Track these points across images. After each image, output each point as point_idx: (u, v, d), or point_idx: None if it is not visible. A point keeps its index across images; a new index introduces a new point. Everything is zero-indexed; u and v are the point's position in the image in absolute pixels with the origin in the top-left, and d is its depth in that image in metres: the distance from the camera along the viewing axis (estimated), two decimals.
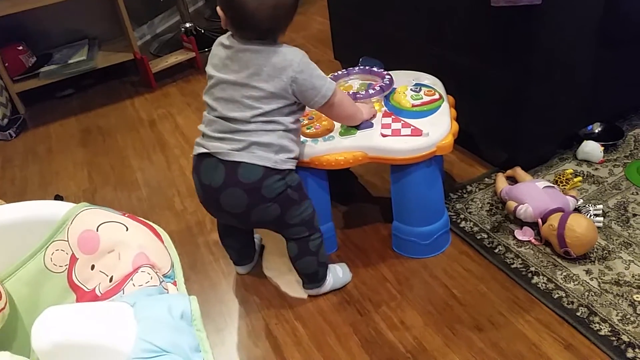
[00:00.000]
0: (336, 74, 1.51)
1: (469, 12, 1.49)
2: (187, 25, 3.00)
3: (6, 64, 2.46)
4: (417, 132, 1.27)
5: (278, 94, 1.11)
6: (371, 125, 1.31)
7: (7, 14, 2.33)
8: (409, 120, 1.31)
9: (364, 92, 1.39)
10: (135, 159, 2.04)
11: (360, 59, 1.53)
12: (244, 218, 1.18)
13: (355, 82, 1.50)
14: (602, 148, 1.58)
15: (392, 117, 1.33)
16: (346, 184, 1.69)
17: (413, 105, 1.35)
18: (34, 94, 2.56)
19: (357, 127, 1.31)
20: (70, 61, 2.60)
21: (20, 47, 2.55)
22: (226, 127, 1.13)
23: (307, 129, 1.33)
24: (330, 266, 1.34)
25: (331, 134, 1.32)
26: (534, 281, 1.26)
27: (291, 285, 1.38)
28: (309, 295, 1.34)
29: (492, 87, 1.51)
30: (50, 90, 2.61)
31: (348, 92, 1.40)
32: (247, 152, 1.11)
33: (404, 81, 1.45)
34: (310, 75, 1.13)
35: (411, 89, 1.40)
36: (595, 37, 1.44)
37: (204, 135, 1.18)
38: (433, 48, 1.60)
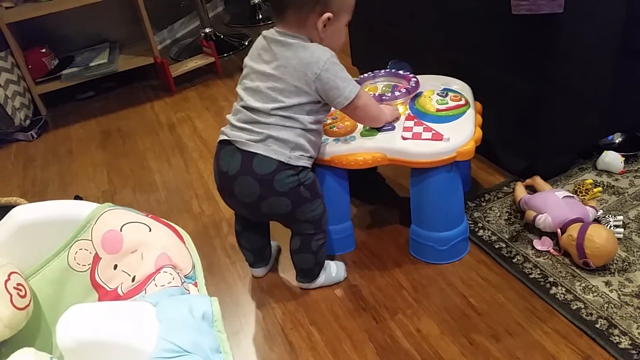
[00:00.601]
0: (363, 76, 1.52)
1: (489, 19, 1.49)
2: (207, 30, 3.03)
3: (29, 66, 2.50)
4: (437, 137, 1.26)
5: (301, 88, 1.14)
6: (393, 128, 1.32)
7: (30, 18, 2.38)
8: (431, 125, 1.31)
9: (389, 94, 1.40)
10: (154, 162, 2.06)
11: (390, 62, 1.54)
12: (254, 208, 1.20)
13: (381, 84, 1.50)
14: (623, 158, 1.57)
15: (415, 120, 1.33)
16: (371, 185, 1.69)
17: (437, 110, 1.35)
18: (56, 95, 2.61)
19: (379, 129, 1.32)
20: (91, 64, 2.64)
21: (43, 50, 2.59)
22: (248, 117, 1.17)
23: (330, 127, 1.36)
24: (325, 262, 1.36)
25: (352, 134, 1.33)
26: (552, 292, 1.25)
27: (307, 289, 1.38)
28: (304, 289, 1.37)
29: (511, 95, 1.51)
30: (72, 92, 2.65)
31: (373, 94, 1.41)
32: (264, 145, 1.14)
33: (432, 85, 1.45)
34: (335, 75, 1.14)
35: (438, 94, 1.40)
36: (617, 45, 1.42)
37: (229, 123, 1.21)
38: (452, 55, 1.60)
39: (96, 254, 0.79)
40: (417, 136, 1.28)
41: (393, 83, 1.49)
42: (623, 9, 1.37)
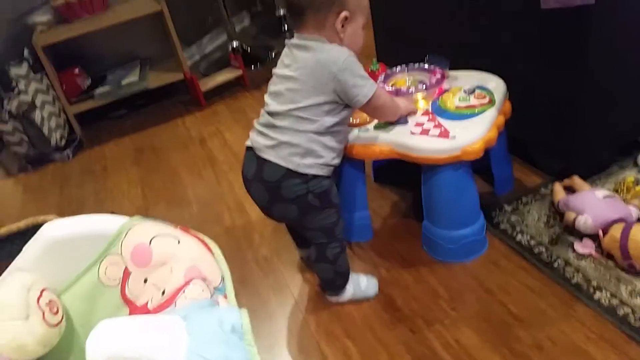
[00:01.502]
0: (395, 68, 1.53)
1: (519, 16, 1.45)
2: (234, 43, 3.06)
3: (63, 87, 2.56)
4: (444, 134, 1.26)
5: (318, 88, 1.15)
6: (406, 122, 1.33)
7: (64, 39, 2.44)
8: (445, 122, 1.30)
9: (404, 89, 1.41)
10: (187, 176, 2.08)
11: (427, 56, 1.52)
12: (268, 211, 1.26)
13: (410, 78, 1.50)
14: None
15: (430, 116, 1.33)
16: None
17: (457, 107, 1.34)
18: (89, 115, 2.66)
19: (392, 122, 1.34)
20: (123, 82, 2.69)
21: (77, 70, 2.66)
22: (267, 121, 1.20)
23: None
24: (354, 275, 1.34)
25: (367, 125, 1.36)
26: (596, 297, 1.19)
27: (341, 304, 1.35)
28: (334, 302, 1.35)
29: (545, 94, 1.46)
30: (105, 111, 2.71)
31: (395, 88, 1.43)
32: (275, 151, 1.17)
33: (466, 82, 1.43)
34: (353, 73, 1.15)
35: (464, 91, 1.38)
36: None
37: (254, 127, 1.25)
38: (482, 55, 1.56)
39: (126, 268, 0.79)
40: (425, 132, 1.28)
41: (421, 78, 1.48)
42: None
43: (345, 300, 1.34)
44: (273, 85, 1.22)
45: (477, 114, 1.31)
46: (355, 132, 1.36)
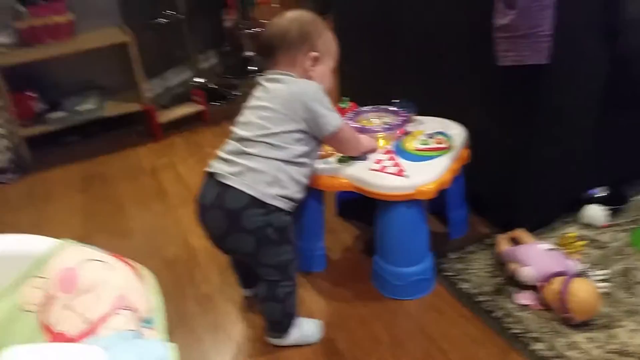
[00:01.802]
0: (364, 108, 1.58)
1: (475, 70, 1.51)
2: (199, 80, 3.06)
3: (16, 109, 2.49)
4: (400, 173, 1.30)
5: (290, 116, 1.19)
6: (365, 158, 1.38)
7: (21, 62, 2.39)
8: (403, 162, 1.35)
9: (369, 127, 1.47)
10: (133, 207, 2.03)
11: (395, 101, 1.58)
12: (221, 242, 1.22)
13: (377, 119, 1.55)
14: (606, 213, 1.55)
15: (390, 155, 1.38)
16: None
17: (416, 149, 1.39)
18: (39, 139, 2.58)
19: (353, 157, 1.38)
20: (78, 109, 2.63)
21: (32, 94, 2.59)
22: (235, 148, 1.21)
23: None
24: (300, 319, 1.30)
25: (329, 158, 1.40)
26: (534, 348, 1.20)
27: (280, 347, 1.31)
28: (276, 345, 1.30)
29: (496, 147, 1.51)
30: (57, 136, 2.63)
31: (363, 125, 1.48)
32: (239, 178, 1.16)
33: (429, 127, 1.49)
34: (322, 104, 1.21)
35: (426, 135, 1.43)
36: (601, 99, 1.44)
37: (217, 156, 1.24)
38: (437, 104, 1.60)
39: (49, 292, 0.74)
40: (383, 169, 1.33)
41: (387, 118, 1.53)
42: (606, 64, 1.40)
43: (288, 344, 1.29)
44: (243, 117, 1.25)
45: (434, 157, 1.36)
46: (317, 164, 1.38)
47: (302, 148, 1.21)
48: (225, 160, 1.20)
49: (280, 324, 1.27)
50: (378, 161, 1.36)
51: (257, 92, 1.26)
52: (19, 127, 2.50)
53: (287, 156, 1.18)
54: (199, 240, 1.75)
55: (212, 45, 3.75)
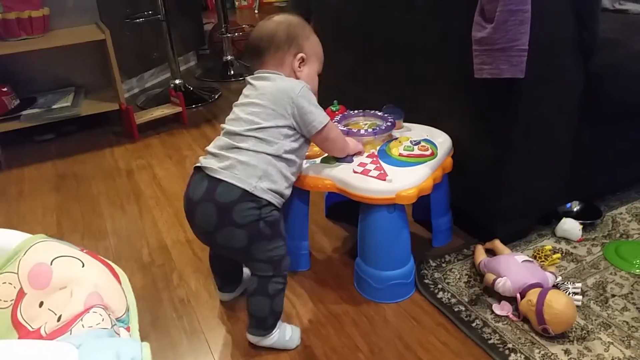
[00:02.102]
0: (354, 111, 1.59)
1: (450, 82, 1.52)
2: (177, 81, 3.03)
3: None
4: (382, 177, 1.32)
5: (278, 111, 1.21)
6: (351, 161, 1.40)
7: None
8: (386, 166, 1.36)
9: (355, 130, 1.48)
10: (108, 208, 1.98)
11: (383, 107, 1.59)
12: (211, 238, 1.20)
13: (364, 121, 1.57)
14: (581, 226, 1.58)
15: (373, 159, 1.39)
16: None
17: (400, 154, 1.40)
18: (13, 135, 2.52)
19: (338, 159, 1.41)
20: (53, 106, 2.58)
21: (5, 89, 2.53)
22: (225, 143, 1.21)
23: None
24: (281, 323, 1.29)
25: (316, 159, 1.43)
26: (511, 358, 1.20)
27: (257, 351, 1.29)
28: (254, 343, 1.27)
29: (472, 158, 1.52)
30: (30, 133, 2.58)
31: (350, 128, 1.49)
32: (230, 171, 1.16)
33: (416, 134, 1.51)
34: (309, 101, 1.24)
35: (411, 141, 1.44)
36: (575, 114, 1.46)
37: (207, 152, 1.24)
38: (415, 113, 1.61)
39: (21, 288, 0.71)
40: (365, 172, 1.34)
41: (375, 123, 1.55)
42: (581, 80, 1.42)
43: (267, 345, 1.27)
44: (232, 114, 1.26)
45: (417, 164, 1.38)
46: (303, 164, 1.41)
47: (290, 144, 1.23)
48: (215, 155, 1.20)
49: (265, 321, 1.25)
50: (362, 164, 1.38)
51: (246, 91, 1.28)
52: None
53: (277, 151, 1.20)
54: (174, 243, 1.72)
55: (191, 47, 3.73)
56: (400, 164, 1.37)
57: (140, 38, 3.13)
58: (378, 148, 1.45)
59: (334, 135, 1.33)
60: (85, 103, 2.67)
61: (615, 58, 1.44)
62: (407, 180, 1.32)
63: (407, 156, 1.40)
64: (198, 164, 1.21)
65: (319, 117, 1.25)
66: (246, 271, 1.45)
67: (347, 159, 1.41)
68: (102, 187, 2.15)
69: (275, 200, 1.20)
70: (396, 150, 1.42)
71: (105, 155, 2.43)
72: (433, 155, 1.41)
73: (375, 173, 1.34)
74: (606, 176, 1.69)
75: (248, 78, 1.30)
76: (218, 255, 1.37)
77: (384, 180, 1.31)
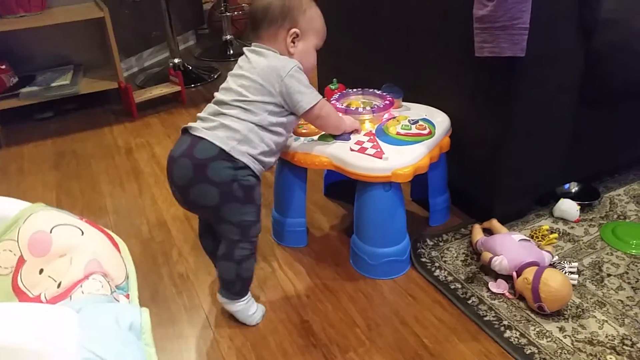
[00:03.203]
0: (352, 90, 1.60)
1: (451, 61, 1.51)
2: (176, 60, 3.02)
3: None
4: (378, 155, 1.33)
5: (266, 88, 1.22)
6: (348, 138, 1.41)
7: None
8: (383, 145, 1.37)
9: (353, 109, 1.48)
10: (107, 185, 1.99)
11: (383, 85, 1.59)
12: (185, 192, 1.20)
13: (362, 100, 1.58)
14: (579, 207, 1.58)
15: (370, 137, 1.41)
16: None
17: (397, 133, 1.41)
18: (12, 113, 2.51)
19: (335, 137, 1.41)
20: (52, 84, 2.57)
21: (3, 67, 2.52)
22: (213, 109, 1.24)
23: (299, 127, 1.46)
24: (251, 298, 1.31)
25: (314, 136, 1.43)
26: (506, 335, 1.22)
27: (255, 326, 1.31)
28: (223, 304, 1.29)
29: (471, 137, 1.52)
30: (30, 111, 2.57)
31: (347, 107, 1.50)
32: (212, 132, 1.19)
33: (414, 114, 1.52)
34: (299, 81, 1.24)
35: (409, 120, 1.45)
36: (575, 94, 1.46)
37: (197, 117, 1.27)
38: (415, 92, 1.61)
39: (21, 256, 0.72)
40: (362, 150, 1.35)
41: (374, 102, 1.55)
42: (582, 60, 1.42)
43: (231, 311, 1.29)
44: (225, 84, 1.27)
45: (414, 143, 1.38)
46: (300, 140, 1.42)
47: (276, 119, 1.24)
48: (202, 119, 1.24)
49: (233, 285, 1.25)
50: (359, 142, 1.38)
51: (241, 61, 1.29)
52: None
53: (261, 122, 1.22)
54: (174, 220, 1.73)
55: (190, 26, 3.70)
56: (397, 143, 1.38)
57: (139, 16, 3.10)
58: (376, 127, 1.46)
59: (325, 114, 1.32)
60: (84, 81, 2.66)
61: (617, 37, 1.44)
62: (403, 159, 1.32)
63: (405, 135, 1.40)
64: (184, 126, 1.24)
65: (307, 97, 1.25)
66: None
67: (345, 136, 1.41)
68: (102, 165, 2.15)
69: (253, 165, 1.21)
70: (394, 129, 1.43)
71: (105, 134, 2.43)
72: (430, 134, 1.42)
73: (372, 151, 1.34)
74: (605, 158, 1.69)
75: (245, 49, 1.30)
76: (205, 231, 1.36)
77: (380, 158, 1.32)
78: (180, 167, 1.18)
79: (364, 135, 1.42)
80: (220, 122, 1.19)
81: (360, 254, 1.43)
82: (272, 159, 1.28)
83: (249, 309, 1.30)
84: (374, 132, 1.43)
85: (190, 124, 1.23)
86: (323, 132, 1.43)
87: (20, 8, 2.47)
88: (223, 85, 1.28)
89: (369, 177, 1.32)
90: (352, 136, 1.41)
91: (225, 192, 1.17)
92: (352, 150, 1.36)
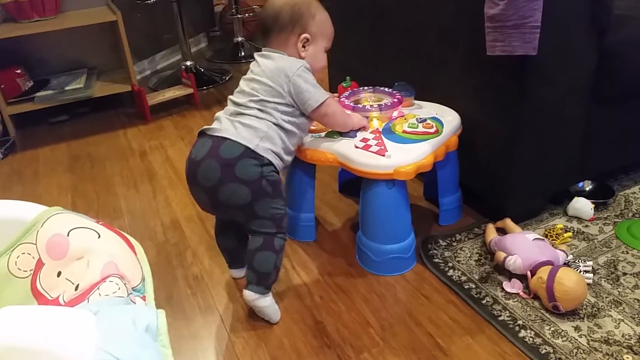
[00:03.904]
0: (362, 88, 1.61)
1: (462, 60, 1.51)
2: (188, 63, 3.04)
3: (2, 86, 2.45)
4: (381, 152, 1.34)
5: (275, 89, 1.27)
6: (354, 136, 1.42)
7: (8, 37, 2.35)
8: (389, 142, 1.38)
9: (361, 106, 1.50)
10: (122, 188, 2.01)
11: (395, 84, 1.60)
12: (214, 193, 1.21)
13: (372, 98, 1.59)
14: (593, 206, 1.57)
15: (376, 135, 1.41)
16: None
17: (404, 131, 1.42)
18: (27, 117, 2.55)
19: (342, 134, 1.43)
20: (67, 88, 2.60)
21: (19, 71, 2.55)
22: (232, 111, 1.28)
23: None
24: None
25: (321, 133, 1.45)
26: (521, 335, 1.21)
27: (269, 327, 1.32)
28: (252, 301, 1.27)
29: (484, 138, 1.51)
30: (44, 115, 2.60)
31: (356, 105, 1.52)
32: (236, 131, 1.23)
33: (424, 112, 1.52)
34: (306, 80, 1.28)
35: (417, 119, 1.45)
36: (588, 92, 1.45)
37: (214, 118, 1.32)
38: (426, 91, 1.61)
39: (39, 259, 0.73)
40: (366, 147, 1.37)
41: (385, 99, 1.56)
42: (594, 58, 1.41)
43: (261, 306, 1.28)
44: (238, 88, 1.32)
45: (419, 141, 1.38)
46: (308, 137, 1.44)
47: (289, 118, 1.29)
48: (220, 121, 1.28)
49: (269, 277, 1.27)
50: (364, 140, 1.40)
51: (252, 66, 1.34)
52: (5, 104, 2.46)
53: (276, 121, 1.26)
54: (188, 222, 1.74)
55: (202, 29, 3.73)
56: (403, 141, 1.39)
57: (151, 19, 3.13)
58: (384, 125, 1.46)
59: (332, 112, 1.35)
60: (97, 84, 2.69)
61: (630, 35, 1.43)
62: (406, 157, 1.33)
63: (411, 133, 1.41)
64: (202, 129, 1.27)
65: (314, 95, 1.28)
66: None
67: (351, 134, 1.42)
68: (116, 167, 2.17)
69: (276, 161, 1.26)
70: (400, 127, 1.43)
71: (119, 137, 2.45)
72: (437, 133, 1.42)
73: (376, 148, 1.35)
74: (619, 155, 1.68)
75: (255, 54, 1.35)
76: (223, 229, 1.39)
77: (383, 155, 1.33)
78: (206, 168, 1.20)
79: (370, 132, 1.43)
80: (240, 121, 1.24)
81: (365, 250, 1.45)
82: (289, 158, 1.33)
83: (275, 303, 1.32)
84: (380, 130, 1.44)
85: (208, 127, 1.26)
86: (330, 129, 1.45)
87: (35, 13, 2.50)
88: (237, 89, 1.32)
89: (372, 174, 1.33)
90: (358, 133, 1.43)
91: (256, 189, 1.21)
92: (356, 147, 1.37)
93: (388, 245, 1.41)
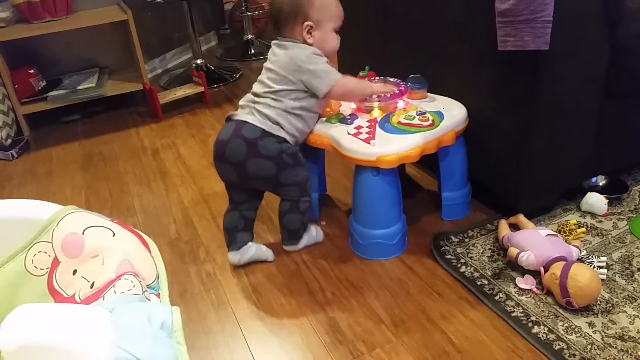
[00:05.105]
0: (376, 78, 1.65)
1: (474, 55, 1.50)
2: (199, 61, 3.05)
3: (16, 86, 2.48)
4: (367, 140, 1.39)
5: (288, 77, 1.39)
6: (351, 122, 1.48)
7: (20, 38, 2.38)
8: (382, 132, 1.42)
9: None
10: (135, 186, 2.02)
11: (410, 76, 1.61)
12: (242, 167, 1.38)
13: (382, 89, 1.60)
14: (607, 201, 1.56)
15: (370, 123, 1.46)
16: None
17: (398, 122, 1.44)
18: (40, 117, 2.58)
19: (340, 120, 1.49)
20: (79, 87, 2.62)
21: (32, 71, 2.58)
22: (249, 98, 1.44)
23: None
24: (309, 226, 1.54)
25: (323, 118, 1.51)
26: (534, 331, 1.21)
27: (282, 323, 1.32)
28: (290, 251, 1.53)
29: (496, 133, 1.51)
30: (57, 114, 2.63)
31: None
32: (253, 116, 1.40)
33: (432, 105, 1.54)
34: (316, 66, 1.38)
35: (417, 111, 1.47)
36: (600, 87, 1.44)
37: (238, 106, 1.48)
38: (436, 90, 1.60)
39: (55, 257, 0.74)
40: (357, 135, 1.42)
41: (394, 90, 1.58)
42: (606, 52, 1.39)
43: (301, 247, 1.53)
44: (259, 76, 1.45)
45: (411, 133, 1.41)
46: (317, 122, 1.51)
47: (296, 103, 1.40)
48: (242, 107, 1.44)
49: (297, 232, 1.50)
50: (358, 127, 1.45)
51: (269, 54, 1.46)
52: (19, 104, 2.49)
53: (285, 107, 1.39)
54: (200, 219, 1.76)
55: (212, 27, 3.74)
56: (396, 131, 1.42)
57: (161, 18, 3.15)
58: (385, 115, 1.49)
59: (347, 90, 1.45)
60: (109, 84, 2.71)
61: None
62: (390, 146, 1.37)
63: (405, 124, 1.44)
64: (228, 115, 1.44)
65: (324, 80, 1.39)
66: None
67: (348, 120, 1.47)
68: (129, 165, 2.19)
69: (290, 138, 1.41)
70: (396, 118, 1.46)
71: (131, 135, 2.47)
72: (432, 126, 1.43)
73: (364, 136, 1.40)
74: (633, 150, 1.66)
75: (272, 42, 1.47)
76: (232, 209, 1.49)
77: (369, 143, 1.38)
78: (233, 146, 1.37)
79: (367, 121, 1.47)
80: (255, 108, 1.40)
81: (353, 232, 1.52)
82: (302, 136, 1.46)
83: (312, 235, 1.55)
84: (378, 119, 1.47)
85: (233, 112, 1.43)
86: (330, 115, 1.51)
87: (47, 13, 2.53)
88: (258, 78, 1.46)
89: (357, 160, 1.39)
90: (355, 121, 1.47)
91: (279, 162, 1.38)
92: (348, 133, 1.43)
93: (372, 230, 1.46)
